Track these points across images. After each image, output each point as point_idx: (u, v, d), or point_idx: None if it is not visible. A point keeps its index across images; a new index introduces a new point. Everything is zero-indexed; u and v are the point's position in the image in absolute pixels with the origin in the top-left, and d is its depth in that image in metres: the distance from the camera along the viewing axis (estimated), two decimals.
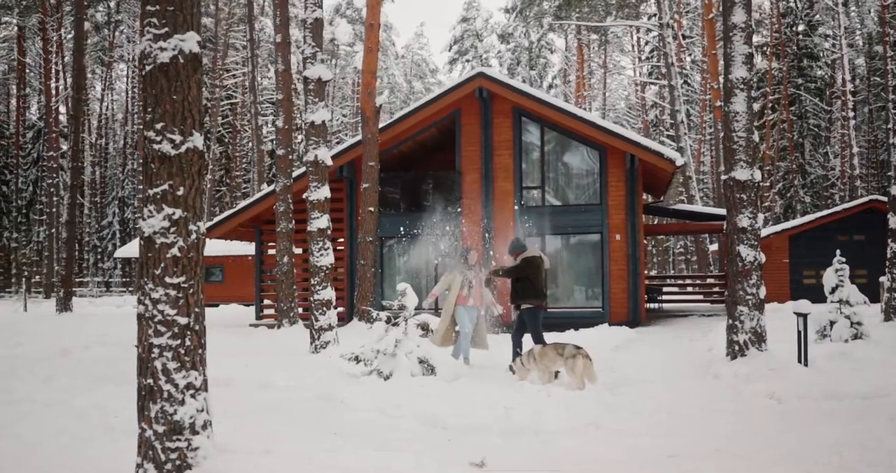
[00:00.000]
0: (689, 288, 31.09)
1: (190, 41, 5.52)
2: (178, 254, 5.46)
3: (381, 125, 19.72)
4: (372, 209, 17.95)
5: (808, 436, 7.21)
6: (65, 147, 63.71)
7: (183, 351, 5.48)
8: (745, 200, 10.96)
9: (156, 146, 5.45)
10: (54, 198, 42.32)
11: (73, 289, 27.35)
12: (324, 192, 12.89)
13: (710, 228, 24.98)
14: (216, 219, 21.41)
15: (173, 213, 5.45)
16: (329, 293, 12.81)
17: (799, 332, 10.02)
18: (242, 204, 20.83)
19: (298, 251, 21.08)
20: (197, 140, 5.56)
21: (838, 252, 13.54)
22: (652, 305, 24.70)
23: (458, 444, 7.26)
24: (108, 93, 59.36)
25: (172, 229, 5.45)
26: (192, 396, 5.51)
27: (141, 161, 6.42)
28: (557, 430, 7.60)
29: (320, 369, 10.74)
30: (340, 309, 19.90)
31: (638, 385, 10.22)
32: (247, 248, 30.65)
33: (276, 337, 16.22)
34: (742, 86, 10.97)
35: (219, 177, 57.12)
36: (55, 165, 41.10)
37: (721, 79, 11.71)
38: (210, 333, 17.84)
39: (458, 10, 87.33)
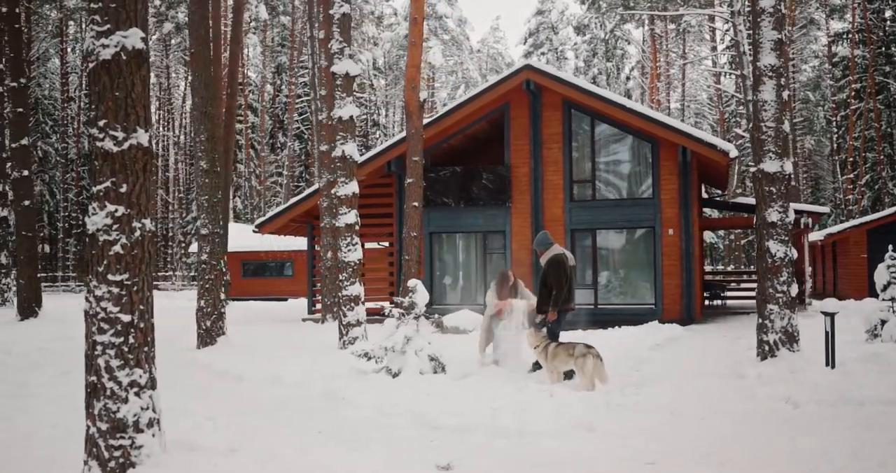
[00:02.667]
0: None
1: (133, 37, 5.49)
2: (121, 252, 5.45)
3: (429, 119, 19.62)
4: (416, 204, 17.84)
5: (805, 443, 6.83)
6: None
7: (126, 349, 5.47)
8: (775, 193, 10.47)
9: (99, 143, 5.45)
10: None
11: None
12: (352, 188, 12.85)
13: None
14: (268, 216, 21.70)
15: (116, 210, 5.44)
16: (357, 289, 12.77)
17: (826, 332, 9.50)
18: (293, 200, 21.03)
19: None
20: (141, 136, 5.53)
21: (891, 247, 12.83)
22: (715, 302, 23.95)
23: (439, 445, 7.10)
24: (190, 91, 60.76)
25: (115, 226, 5.44)
26: (137, 394, 5.50)
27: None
28: (544, 432, 7.36)
29: (334, 365, 10.70)
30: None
31: (654, 385, 9.85)
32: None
33: (317, 331, 16.33)
34: (771, 74, 10.46)
35: (298, 173, 57.97)
36: None
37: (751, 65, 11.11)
38: (260, 327, 18.15)
39: (533, 3, 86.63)
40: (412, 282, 10.20)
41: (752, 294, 26.47)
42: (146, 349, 5.58)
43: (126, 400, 5.44)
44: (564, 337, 11.18)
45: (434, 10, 59.65)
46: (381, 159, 19.75)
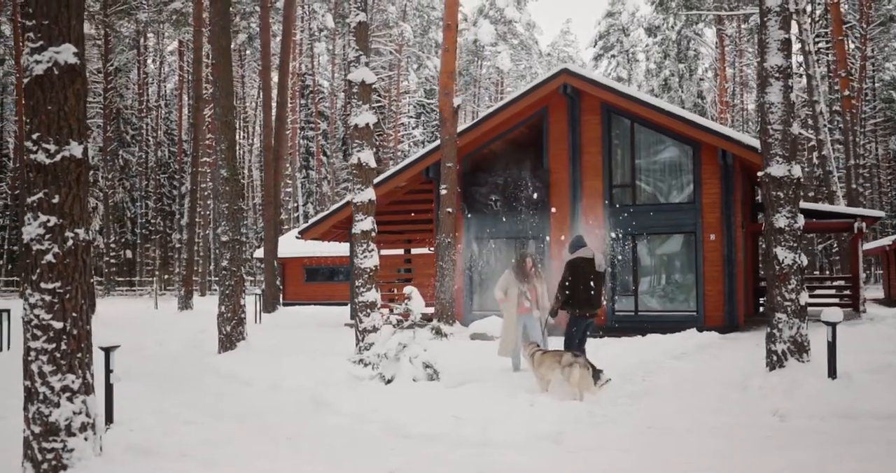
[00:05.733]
0: (822, 290, 29.08)
1: (65, 53, 5.65)
2: (53, 261, 5.61)
3: (467, 125, 19.65)
4: (450, 210, 17.84)
5: (769, 459, 6.63)
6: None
7: (59, 355, 5.62)
8: (783, 198, 10.12)
9: (32, 156, 5.63)
10: (208, 202, 44.73)
11: (193, 288, 28.68)
12: (367, 195, 12.92)
13: (825, 227, 23.24)
14: (310, 222, 21.99)
15: (48, 221, 5.61)
16: (373, 295, 12.81)
17: (829, 343, 9.13)
18: (333, 207, 21.28)
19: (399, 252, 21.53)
20: (74, 149, 5.69)
21: None
22: None
23: (398, 453, 7.11)
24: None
25: (48, 236, 5.61)
26: (69, 399, 5.64)
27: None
28: (506, 443, 7.28)
29: (335, 372, 10.75)
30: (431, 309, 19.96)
31: (653, 396, 9.68)
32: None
33: (345, 336, 16.42)
34: (778, 75, 10.13)
35: None
36: (207, 170, 43.44)
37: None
38: (294, 332, 18.33)
39: (603, 5, 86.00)
40: (407, 289, 10.22)
41: (815, 300, 25.79)
42: (80, 355, 5.72)
43: (58, 405, 5.60)
44: (588, 343, 11.03)
45: (502, 15, 59.60)
46: (418, 166, 19.85)
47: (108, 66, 44.81)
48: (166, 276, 52.38)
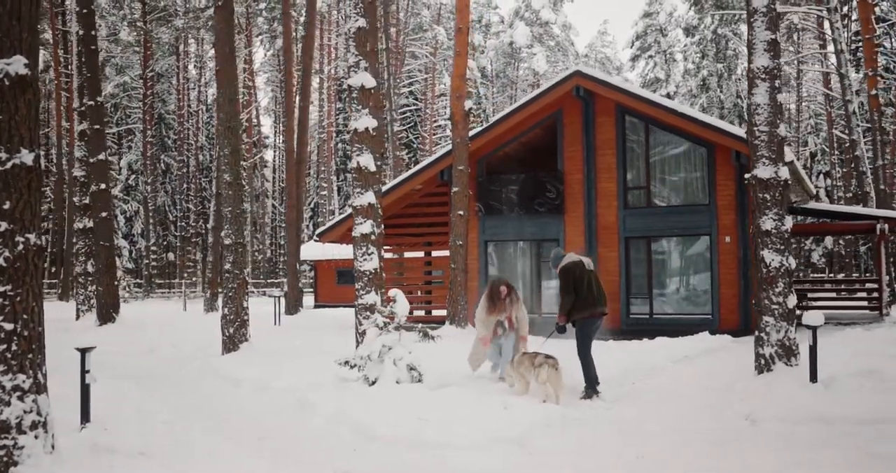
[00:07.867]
0: (852, 293, 28.62)
1: (16, 64, 5.85)
2: (4, 264, 5.80)
3: (480, 128, 19.72)
4: (461, 213, 17.93)
5: (724, 463, 6.61)
6: (269, 156, 68.35)
7: (10, 356, 5.81)
8: (770, 200, 10.07)
9: None
10: (252, 206, 45.33)
11: (219, 290, 29.05)
12: (367, 198, 13.06)
13: (845, 228, 22.86)
14: (326, 226, 22.22)
15: None
16: (373, 298, 12.95)
17: (810, 347, 9.04)
18: (349, 211, 21.45)
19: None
20: (25, 156, 5.88)
21: None
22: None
23: (357, 454, 7.22)
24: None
25: None
26: (20, 398, 5.83)
27: None
28: (467, 445, 7.35)
29: (327, 373, 10.87)
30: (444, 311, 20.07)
31: (633, 399, 9.73)
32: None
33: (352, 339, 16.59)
34: (764, 76, 10.06)
35: None
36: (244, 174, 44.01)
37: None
38: (308, 333, 18.50)
39: (640, 6, 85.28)
40: (392, 292, 10.30)
41: (844, 303, 25.39)
42: (31, 356, 5.90)
43: (9, 404, 5.78)
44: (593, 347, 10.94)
45: (538, 17, 59.46)
46: (433, 168, 19.97)
47: (148, 72, 45.65)
48: (194, 279, 53.12)
